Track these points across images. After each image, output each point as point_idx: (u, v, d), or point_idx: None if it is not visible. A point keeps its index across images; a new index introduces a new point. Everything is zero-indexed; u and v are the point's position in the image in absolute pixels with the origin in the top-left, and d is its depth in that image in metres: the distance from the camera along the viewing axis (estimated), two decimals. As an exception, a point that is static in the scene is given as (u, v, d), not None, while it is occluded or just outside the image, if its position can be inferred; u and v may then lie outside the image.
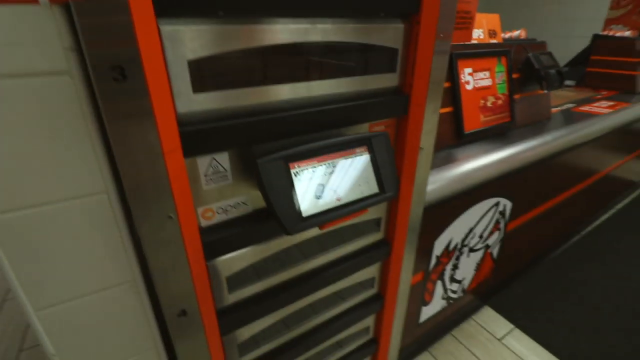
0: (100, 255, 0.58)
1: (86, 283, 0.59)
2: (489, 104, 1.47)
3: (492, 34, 1.53)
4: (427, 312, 1.50)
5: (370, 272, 1.04)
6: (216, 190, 0.65)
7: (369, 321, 1.18)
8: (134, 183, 0.52)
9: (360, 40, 0.67)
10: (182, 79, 0.52)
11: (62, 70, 0.45)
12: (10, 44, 0.41)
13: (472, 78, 1.39)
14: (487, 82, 1.45)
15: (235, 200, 0.68)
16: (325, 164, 0.65)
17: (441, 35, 0.72)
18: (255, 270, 0.81)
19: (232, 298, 0.78)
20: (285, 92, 0.63)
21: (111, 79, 0.45)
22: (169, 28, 0.49)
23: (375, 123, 0.80)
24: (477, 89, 1.41)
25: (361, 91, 0.73)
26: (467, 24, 0.81)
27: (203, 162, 0.62)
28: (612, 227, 2.68)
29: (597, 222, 2.75)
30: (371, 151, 0.69)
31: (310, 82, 0.65)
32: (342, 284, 0.98)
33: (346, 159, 0.67)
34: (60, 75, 0.45)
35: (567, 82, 2.93)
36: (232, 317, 0.78)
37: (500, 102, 1.51)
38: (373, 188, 0.69)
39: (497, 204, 1.49)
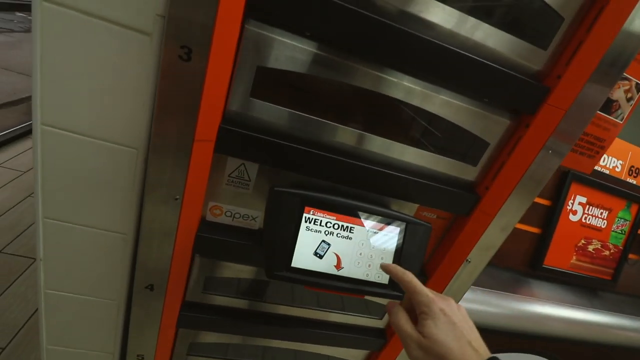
0: (111, 198, 0.61)
1: (90, 216, 0.62)
2: (590, 248, 1.19)
3: (633, 171, 1.25)
4: None
5: (354, 355, 0.91)
6: (233, 193, 0.63)
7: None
8: (160, 149, 0.52)
9: (452, 117, 0.59)
10: (245, 80, 0.51)
11: (147, 31, 0.48)
12: (118, -4, 0.45)
13: (582, 209, 1.14)
14: (599, 223, 1.18)
15: (246, 211, 0.65)
16: (344, 225, 0.57)
17: (550, 151, 0.59)
18: (239, 286, 0.76)
19: (205, 298, 0.75)
20: (344, 135, 0.58)
21: (177, 56, 0.46)
22: (254, 30, 0.48)
23: (427, 209, 0.69)
24: (582, 224, 1.16)
25: (429, 169, 0.64)
26: (594, 152, 0.65)
27: (232, 163, 0.60)
28: None
29: None
30: (402, 237, 0.59)
31: (378, 137, 0.59)
32: (317, 348, 0.87)
33: (370, 231, 0.58)
34: (145, 35, 0.48)
35: None
36: (195, 315, 0.75)
37: (606, 253, 1.21)
38: (383, 277, 0.59)
39: (544, 365, 1.19)
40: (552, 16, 0.53)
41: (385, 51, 0.50)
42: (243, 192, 0.63)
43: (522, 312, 1.04)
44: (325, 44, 0.51)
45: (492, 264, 1.13)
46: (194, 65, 0.46)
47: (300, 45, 0.50)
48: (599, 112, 0.61)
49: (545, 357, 1.20)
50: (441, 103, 0.57)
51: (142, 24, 0.48)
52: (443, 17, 0.51)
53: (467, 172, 0.65)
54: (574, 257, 1.18)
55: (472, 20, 0.51)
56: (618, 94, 0.60)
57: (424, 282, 0.76)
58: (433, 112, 0.58)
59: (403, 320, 0.44)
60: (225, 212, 0.65)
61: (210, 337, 0.82)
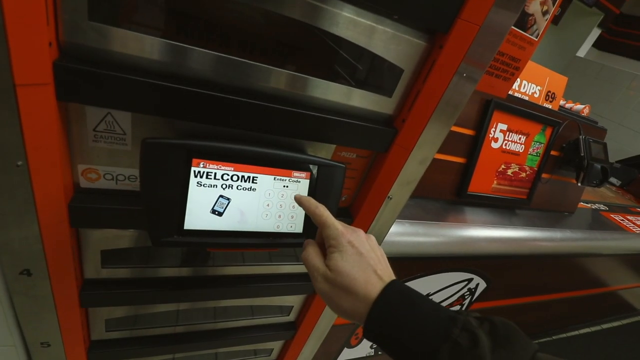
0: None
1: None
2: (509, 172, 1.27)
3: (550, 96, 1.31)
4: (347, 355, 1.38)
5: (290, 300, 0.90)
6: (107, 151, 0.51)
7: (275, 345, 1.05)
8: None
9: (361, 40, 0.50)
10: (74, -5, 0.37)
11: None
12: None
13: (503, 136, 1.19)
14: (518, 148, 1.25)
15: (131, 171, 0.54)
16: (244, 175, 0.50)
17: (465, 74, 0.54)
18: (143, 253, 0.68)
19: (107, 273, 0.66)
20: (235, 69, 0.48)
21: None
22: None
23: (345, 148, 0.64)
24: (502, 151, 1.21)
25: (342, 105, 0.56)
26: (509, 73, 0.62)
27: (94, 114, 0.47)
28: (588, 342, 2.47)
29: (571, 334, 2.54)
30: (313, 182, 0.54)
31: (277, 69, 0.49)
32: (253, 301, 0.85)
33: (276, 179, 0.52)
34: None
35: (612, 180, 2.64)
36: (99, 292, 0.66)
37: (523, 175, 1.31)
38: (296, 227, 0.54)
39: (469, 280, 1.32)
40: None
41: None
42: (120, 149, 0.52)
43: (449, 237, 1.10)
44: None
45: (422, 196, 1.17)
46: (-31, -33, 0.31)
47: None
48: (513, 27, 0.57)
49: (471, 273, 1.32)
50: (346, 22, 0.48)
51: None
52: None
53: (383, 105, 0.59)
54: (495, 182, 1.25)
55: None
56: (534, 6, 0.55)
57: (349, 223, 0.73)
58: (338, 34, 0.49)
59: (312, 255, 0.42)
60: (104, 175, 0.54)
61: (127, 311, 0.74)
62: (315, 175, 0.54)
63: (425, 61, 0.55)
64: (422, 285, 1.22)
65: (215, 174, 0.48)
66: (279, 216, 0.53)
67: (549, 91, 1.30)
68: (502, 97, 0.65)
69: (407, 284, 1.23)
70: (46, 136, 0.43)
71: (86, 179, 0.53)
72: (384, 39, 0.51)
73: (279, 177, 0.52)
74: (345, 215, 0.74)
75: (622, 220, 1.83)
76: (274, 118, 0.51)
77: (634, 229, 1.75)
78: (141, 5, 0.47)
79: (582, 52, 4.30)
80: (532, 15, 0.56)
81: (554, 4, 0.56)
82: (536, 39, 0.59)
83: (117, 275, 0.67)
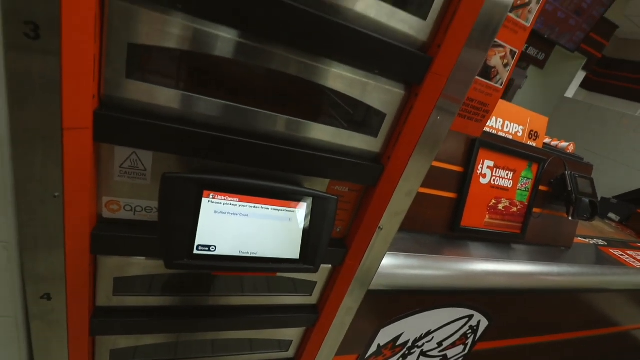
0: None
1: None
2: (500, 206, 1.33)
3: (532, 135, 1.40)
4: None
5: (289, 334, 0.92)
6: (130, 185, 0.59)
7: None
8: (23, 141, 0.46)
9: (348, 91, 0.60)
10: (117, 59, 0.47)
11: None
12: None
13: (490, 172, 1.26)
14: (506, 183, 1.32)
15: (148, 203, 0.61)
16: (248, 205, 0.57)
17: (439, 117, 0.63)
18: (153, 283, 0.73)
19: (117, 301, 0.70)
20: (242, 115, 0.57)
21: (22, 34, 0.40)
22: (120, 4, 0.44)
23: (339, 183, 0.71)
24: (492, 186, 1.28)
25: (335, 144, 0.65)
26: (480, 116, 0.71)
27: (122, 153, 0.56)
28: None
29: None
30: (309, 212, 0.60)
31: (280, 115, 0.59)
32: (252, 334, 0.87)
33: (277, 209, 0.58)
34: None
35: (611, 216, 2.67)
36: (108, 320, 0.70)
37: (514, 209, 1.36)
38: (293, 253, 0.60)
39: (470, 317, 1.32)
40: (426, -12, 0.56)
41: (266, 24, 0.49)
42: (141, 183, 0.59)
43: (446, 270, 1.13)
44: (200, 17, 0.48)
45: (417, 230, 1.22)
46: (43, 43, 0.41)
47: (172, 19, 0.47)
48: (479, 78, 0.67)
49: (471, 309, 1.32)
50: (335, 77, 0.58)
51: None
52: (322, -12, 0.51)
53: (370, 144, 0.68)
54: (487, 216, 1.31)
55: (351, -8, 0.52)
56: (495, 60, 0.66)
57: (344, 254, 0.78)
58: (329, 86, 0.58)
59: None
60: (124, 206, 0.61)
61: (132, 341, 0.77)
62: (311, 206, 0.61)
63: (404, 107, 0.64)
64: (421, 322, 1.22)
65: (222, 203, 0.55)
66: (278, 243, 0.58)
67: (532, 130, 1.40)
68: (477, 135, 0.73)
69: (406, 320, 1.23)
70: (81, 171, 0.51)
71: (108, 210, 0.60)
72: (369, 89, 0.61)
73: (279, 208, 0.59)
74: (340, 246, 0.79)
75: (622, 255, 1.84)
76: (275, 156, 0.59)
77: (634, 264, 1.75)
78: (165, 65, 0.58)
79: (570, 93, 4.54)
80: (495, 67, 0.66)
81: (513, 58, 0.67)
82: (501, 87, 0.69)
83: (124, 303, 0.71)
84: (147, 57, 0.51)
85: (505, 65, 0.67)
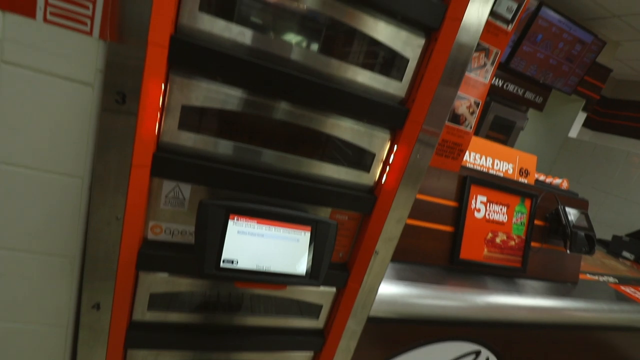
0: (59, 224, 0.69)
1: (38, 241, 0.69)
2: (498, 240, 1.41)
3: (523, 172, 1.52)
4: None
5: (297, 357, 0.99)
6: (171, 212, 0.74)
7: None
8: (102, 174, 0.63)
9: (346, 136, 0.76)
10: (172, 116, 0.65)
11: (89, 83, 0.61)
12: (65, 56, 0.58)
13: (484, 207, 1.37)
14: (501, 217, 1.41)
15: (183, 227, 0.76)
16: (264, 227, 0.70)
17: (418, 155, 0.78)
18: (181, 302, 0.84)
19: (150, 316, 0.82)
20: (261, 155, 0.73)
21: (114, 100, 0.59)
22: (176, 78, 0.63)
23: (339, 211, 0.85)
24: (487, 220, 1.38)
25: (336, 179, 0.80)
26: (456, 154, 0.86)
27: (168, 185, 0.72)
28: None
29: None
30: (313, 235, 0.73)
31: (292, 155, 0.75)
32: (264, 356, 0.95)
33: (287, 231, 0.72)
34: (86, 86, 0.61)
35: (625, 254, 2.64)
36: (141, 334, 0.81)
37: (512, 243, 1.44)
38: (301, 269, 0.72)
39: (477, 353, 1.34)
40: (401, 61, 0.74)
41: (284, 90, 0.67)
42: (179, 211, 0.75)
43: (450, 299, 1.19)
44: (234, 85, 0.67)
45: (417, 262, 1.30)
46: (127, 107, 0.59)
47: (214, 87, 0.65)
48: (450, 123, 0.82)
49: (478, 344, 1.35)
50: (334, 125, 0.75)
51: (85, 77, 0.61)
52: (321, 62, 0.69)
53: (365, 179, 0.82)
54: (486, 250, 1.38)
55: (352, 67, 0.71)
56: (462, 109, 0.81)
57: (347, 277, 0.89)
58: (333, 134, 0.75)
59: None
60: (165, 229, 0.75)
61: (161, 357, 0.87)
62: (315, 230, 0.74)
63: (390, 148, 0.80)
64: (427, 356, 1.25)
65: (244, 225, 0.69)
66: (288, 260, 0.71)
67: (522, 168, 1.52)
68: (455, 171, 0.87)
69: (410, 353, 1.27)
70: (139, 199, 0.67)
71: (153, 232, 0.75)
72: (360, 133, 0.77)
73: (289, 230, 0.72)
74: (343, 269, 0.90)
75: (635, 292, 1.83)
76: (287, 188, 0.74)
77: (647, 301, 1.74)
78: (205, 120, 0.76)
79: (574, 133, 4.66)
80: (462, 114, 0.82)
81: (477, 107, 0.83)
82: (470, 130, 0.84)
83: (156, 319, 0.82)
84: (193, 115, 0.69)
85: (472, 113, 0.82)
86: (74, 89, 0.60)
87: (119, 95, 0.58)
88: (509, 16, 0.79)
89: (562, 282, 1.62)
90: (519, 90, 3.84)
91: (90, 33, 0.58)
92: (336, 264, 0.91)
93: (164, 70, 0.60)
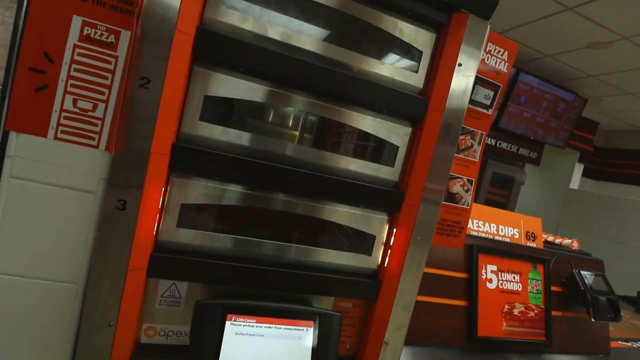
0: (51, 332, 0.65)
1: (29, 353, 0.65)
2: (515, 311, 1.32)
3: (530, 236, 1.49)
4: None
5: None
6: (166, 312, 0.71)
7: None
8: (97, 279, 0.61)
9: (338, 220, 0.76)
10: (171, 215, 0.66)
11: (92, 191, 0.63)
12: (71, 167, 0.62)
13: (496, 277, 1.31)
14: (515, 286, 1.34)
15: (179, 328, 0.72)
16: (264, 327, 0.67)
17: (418, 237, 0.77)
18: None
19: None
20: (259, 248, 0.73)
21: (114, 207, 0.60)
22: (176, 179, 0.66)
23: (343, 299, 0.81)
24: (501, 291, 1.31)
25: (337, 265, 0.78)
26: (457, 231, 0.85)
27: (164, 284, 0.70)
28: None
29: None
30: (316, 329, 0.69)
31: (285, 243, 0.74)
32: None
33: (288, 329, 0.68)
34: (89, 194, 0.63)
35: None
36: None
37: (531, 313, 1.35)
38: (305, 371, 0.66)
39: None
40: (390, 148, 0.78)
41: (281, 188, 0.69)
42: (175, 310, 0.72)
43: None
44: (233, 182, 0.69)
45: (432, 344, 1.20)
46: (127, 213, 0.61)
47: (213, 185, 0.68)
48: (446, 202, 0.83)
49: None
50: (333, 212, 0.76)
51: (88, 186, 0.63)
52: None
53: (367, 262, 0.80)
54: (505, 324, 1.29)
55: (344, 157, 0.74)
56: (456, 188, 0.83)
57: (356, 372, 0.82)
58: (327, 219, 0.76)
59: None
60: (159, 331, 0.71)
61: None
62: (318, 324, 0.70)
63: (389, 231, 0.79)
64: None
65: (242, 325, 0.65)
66: (290, 360, 0.66)
67: (528, 231, 1.49)
68: (459, 248, 0.85)
69: None
70: (133, 303, 0.64)
71: (146, 335, 0.71)
72: (359, 217, 0.77)
73: (289, 327, 0.68)
74: (352, 362, 0.83)
75: (678, 361, 1.65)
76: (288, 281, 0.72)
77: (694, 372, 1.55)
78: (201, 218, 0.77)
79: (575, 184, 4.67)
80: (457, 193, 0.83)
81: (471, 184, 0.84)
82: (468, 207, 0.84)
83: None
84: (192, 212, 0.70)
85: (467, 191, 0.84)
86: (77, 196, 0.63)
87: (119, 202, 0.60)
88: (488, 102, 0.85)
89: (593, 354, 1.47)
90: (512, 147, 3.96)
91: (97, 147, 0.62)
92: (343, 358, 0.84)
93: (164, 175, 0.63)
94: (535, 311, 1.36)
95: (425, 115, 0.78)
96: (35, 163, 0.60)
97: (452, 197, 0.82)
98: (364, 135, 0.79)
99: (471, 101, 0.83)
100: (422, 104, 0.77)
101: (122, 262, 0.62)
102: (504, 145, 3.93)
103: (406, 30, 0.76)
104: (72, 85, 0.61)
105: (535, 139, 3.96)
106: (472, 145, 0.84)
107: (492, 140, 3.81)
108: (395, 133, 0.78)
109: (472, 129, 0.84)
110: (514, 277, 1.35)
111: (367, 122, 0.76)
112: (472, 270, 1.26)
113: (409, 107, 0.77)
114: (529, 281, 1.37)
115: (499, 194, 3.84)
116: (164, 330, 0.71)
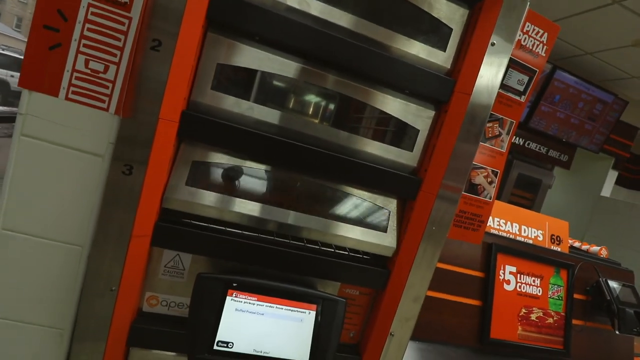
0: (55, 294, 0.66)
1: (30, 311, 0.66)
2: (533, 317, 1.25)
3: (555, 239, 1.40)
4: None
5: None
6: (169, 282, 0.70)
7: None
8: (101, 244, 0.61)
9: (356, 200, 0.73)
10: (180, 174, 0.65)
11: (100, 154, 0.62)
12: (81, 129, 0.61)
13: (514, 278, 1.24)
14: (535, 290, 1.27)
15: (181, 299, 0.71)
16: (265, 305, 0.65)
17: (434, 227, 0.73)
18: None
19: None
20: (268, 223, 0.70)
21: (121, 172, 0.59)
22: (187, 147, 0.64)
23: (349, 286, 0.78)
24: (518, 293, 1.24)
25: (348, 238, 0.75)
26: (476, 225, 0.79)
27: (168, 255, 0.69)
28: None
29: None
30: (319, 314, 0.67)
31: (293, 211, 0.71)
32: None
33: (290, 310, 0.66)
34: (98, 157, 0.62)
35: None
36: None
37: (550, 320, 1.27)
38: (303, 356, 0.64)
39: None
40: (410, 131, 0.73)
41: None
42: (178, 281, 0.71)
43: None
44: (241, 154, 0.67)
45: (441, 341, 1.16)
46: (133, 178, 0.60)
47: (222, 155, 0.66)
48: (467, 193, 0.77)
49: None
50: (348, 193, 0.72)
51: (97, 149, 0.62)
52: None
53: (378, 249, 0.76)
54: (520, 328, 1.22)
55: (360, 138, 0.70)
56: (479, 179, 0.77)
57: (358, 360, 0.79)
58: (342, 192, 0.72)
59: None
60: (162, 301, 0.71)
61: None
62: (321, 308, 0.67)
63: (401, 219, 0.75)
64: None
65: (243, 302, 0.63)
66: (289, 344, 0.64)
67: (553, 234, 1.40)
68: (477, 243, 0.80)
69: None
70: (136, 270, 0.64)
71: (148, 304, 0.71)
72: (374, 204, 0.73)
73: (291, 308, 0.66)
74: (354, 352, 0.80)
75: None
76: (294, 262, 0.70)
77: None
78: (212, 181, 0.76)
79: (607, 192, 4.40)
80: (480, 184, 0.78)
81: (495, 176, 0.78)
82: (490, 200, 0.79)
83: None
84: (198, 183, 0.69)
85: (490, 183, 0.78)
86: (85, 160, 0.62)
87: (126, 167, 0.59)
88: (521, 88, 0.79)
89: (616, 370, 1.38)
90: (541, 148, 3.76)
91: (107, 109, 0.61)
92: (346, 345, 0.81)
93: (172, 143, 0.61)
94: (555, 318, 1.28)
95: (451, 98, 0.72)
96: (46, 123, 0.60)
97: (473, 188, 0.77)
98: (382, 116, 0.74)
99: (502, 86, 0.76)
100: (448, 85, 0.72)
101: (127, 227, 0.61)
102: (533, 145, 3.73)
103: (436, 5, 0.70)
104: (85, 46, 0.59)
105: (567, 141, 3.74)
106: (499, 134, 0.78)
107: (520, 139, 3.63)
108: (417, 115, 0.73)
109: (501, 116, 0.78)
110: (534, 281, 1.27)
111: (387, 102, 0.72)
112: (490, 269, 1.20)
113: (433, 87, 0.72)
114: (550, 286, 1.30)
115: (524, 196, 3.67)
116: (166, 300, 0.71)
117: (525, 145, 3.68)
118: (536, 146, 3.72)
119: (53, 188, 0.62)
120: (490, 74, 0.70)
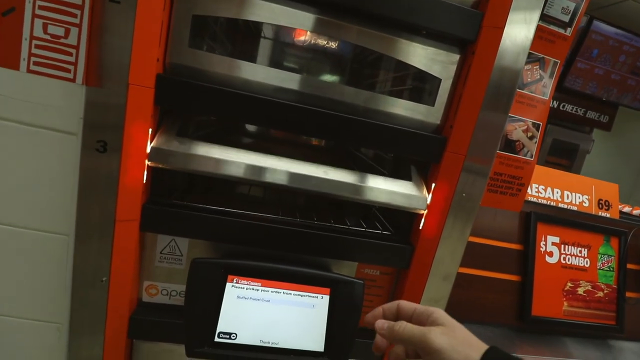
0: (45, 286, 0.62)
1: (25, 307, 0.62)
2: (580, 291, 1.12)
3: (603, 204, 1.24)
4: None
5: None
6: (167, 270, 0.64)
7: None
8: (83, 232, 0.55)
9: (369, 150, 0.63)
10: (160, 150, 0.57)
11: (74, 132, 0.55)
12: (48, 105, 0.54)
13: (557, 250, 1.11)
14: (582, 262, 1.13)
15: (182, 287, 0.65)
16: (271, 291, 0.57)
17: (464, 194, 0.61)
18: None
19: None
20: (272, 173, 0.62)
21: (95, 149, 0.52)
22: (166, 116, 0.56)
23: (368, 266, 0.69)
24: (563, 266, 1.11)
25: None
26: (515, 189, 0.67)
27: (163, 240, 0.63)
28: None
29: None
30: (333, 298, 0.58)
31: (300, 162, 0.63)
32: None
33: (300, 295, 0.58)
34: (72, 135, 0.55)
35: None
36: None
37: (600, 294, 1.13)
38: (317, 345, 0.56)
39: None
40: (431, 81, 0.61)
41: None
42: (177, 268, 0.64)
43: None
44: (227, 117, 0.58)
45: (478, 321, 1.06)
46: (109, 156, 0.52)
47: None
48: (503, 152, 0.65)
49: None
50: (363, 155, 0.62)
51: (69, 127, 0.55)
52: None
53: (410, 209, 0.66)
54: (565, 303, 1.10)
55: (370, 93, 0.59)
56: (517, 134, 0.64)
57: (382, 347, 0.71)
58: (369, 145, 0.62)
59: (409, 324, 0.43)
60: (162, 290, 0.65)
61: None
62: (336, 292, 0.59)
63: (426, 187, 0.64)
64: None
65: (245, 288, 0.56)
66: (301, 333, 0.56)
67: (600, 199, 1.24)
68: (516, 210, 0.68)
69: None
70: (127, 258, 0.58)
71: (148, 294, 0.65)
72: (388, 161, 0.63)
73: (301, 293, 0.58)
74: (372, 336, 0.72)
75: None
76: (302, 240, 0.61)
77: None
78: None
79: (655, 157, 4.02)
80: (518, 140, 0.65)
81: (537, 130, 0.65)
82: (531, 159, 0.66)
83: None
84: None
85: (531, 138, 0.65)
86: (58, 138, 0.55)
87: (99, 143, 0.52)
88: (566, 18, 0.64)
89: (678, 346, 1.23)
90: (578, 110, 3.43)
91: (73, 80, 0.53)
92: (366, 331, 0.73)
93: (150, 112, 0.53)
94: (605, 291, 1.14)
95: (479, 35, 0.59)
96: (9, 100, 0.53)
97: (510, 146, 0.65)
98: (396, 66, 0.62)
99: (543, 16, 0.62)
100: (475, 18, 0.59)
101: (109, 212, 0.54)
102: (568, 107, 3.41)
103: None
104: (41, 7, 0.51)
105: (607, 99, 3.39)
106: (541, 78, 0.64)
107: (554, 102, 3.31)
108: (438, 61, 0.61)
109: (542, 55, 0.64)
110: (580, 251, 1.13)
111: (401, 47, 0.59)
112: (529, 241, 1.07)
113: (456, 23, 0.59)
114: (599, 256, 1.15)
115: (560, 163, 3.38)
116: (166, 289, 0.65)
117: (560, 107, 3.37)
118: (572, 108, 3.39)
119: (28, 173, 0.56)
120: (527, 0, 0.57)
